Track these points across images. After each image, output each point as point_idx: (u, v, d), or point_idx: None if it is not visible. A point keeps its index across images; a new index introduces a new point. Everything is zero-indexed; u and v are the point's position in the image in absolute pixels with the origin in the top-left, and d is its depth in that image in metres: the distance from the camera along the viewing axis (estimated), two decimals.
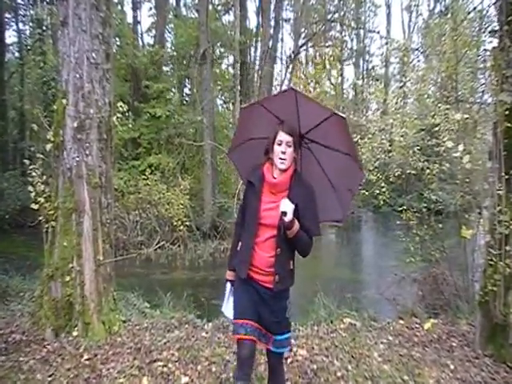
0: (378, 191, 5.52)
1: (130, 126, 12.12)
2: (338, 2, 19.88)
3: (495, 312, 3.10)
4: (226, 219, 11.46)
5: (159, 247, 10.24)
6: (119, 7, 15.29)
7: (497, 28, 3.32)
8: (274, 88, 16.01)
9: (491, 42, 4.09)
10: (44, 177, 3.81)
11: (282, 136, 2.08)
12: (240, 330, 2.07)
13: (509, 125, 3.05)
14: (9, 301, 4.51)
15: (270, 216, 2.07)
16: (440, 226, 4.88)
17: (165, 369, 3.00)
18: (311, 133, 2.21)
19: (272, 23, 15.60)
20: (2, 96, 15.46)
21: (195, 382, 2.85)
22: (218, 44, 17.01)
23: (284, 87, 17.16)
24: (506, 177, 3.05)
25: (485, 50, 5.24)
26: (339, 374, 2.95)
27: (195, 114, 13.26)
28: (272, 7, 15.69)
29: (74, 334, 3.48)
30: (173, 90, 15.37)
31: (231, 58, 17.43)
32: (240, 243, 2.22)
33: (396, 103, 6.98)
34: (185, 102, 16.64)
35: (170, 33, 17.34)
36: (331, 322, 4.02)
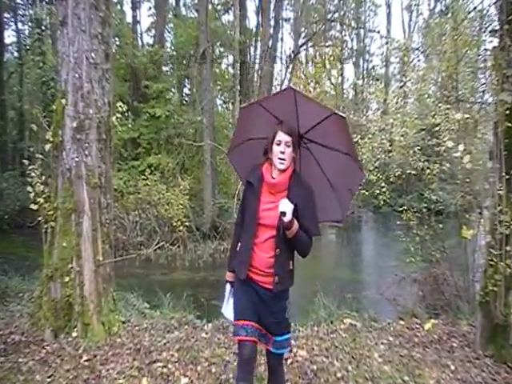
0: (378, 191, 5.51)
1: (130, 126, 12.09)
2: (338, 1, 19.88)
3: (496, 312, 3.09)
4: (226, 219, 11.45)
5: (159, 248, 10.23)
6: (118, 7, 15.27)
7: (497, 27, 3.31)
8: (273, 88, 16.00)
9: (492, 41, 4.09)
10: (43, 177, 3.80)
11: (281, 136, 2.07)
12: (241, 331, 2.06)
13: (509, 124, 3.04)
14: (8, 301, 4.50)
15: (269, 216, 2.06)
16: (440, 226, 4.87)
17: (164, 369, 2.99)
18: (310, 132, 2.20)
19: (272, 23, 15.60)
20: (1, 96, 15.45)
21: (195, 383, 2.84)
22: (218, 44, 17.00)
23: (284, 87, 17.15)
24: (507, 177, 3.04)
25: (485, 49, 5.25)
26: (339, 374, 2.94)
27: (195, 114, 13.25)
28: (272, 7, 15.68)
29: (74, 334, 3.47)
30: (172, 89, 15.36)
31: (231, 58, 17.43)
32: (239, 244, 2.21)
33: (396, 103, 6.97)
34: (184, 102, 16.63)
35: (169, 32, 17.34)
36: (331, 323, 4.01)
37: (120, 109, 4.26)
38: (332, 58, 23.76)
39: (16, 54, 18.15)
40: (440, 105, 4.84)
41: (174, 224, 10.30)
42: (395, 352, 3.33)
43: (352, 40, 25.04)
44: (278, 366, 2.28)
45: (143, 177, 11.57)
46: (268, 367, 2.30)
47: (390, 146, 5.76)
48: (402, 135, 5.25)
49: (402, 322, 4.04)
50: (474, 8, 5.60)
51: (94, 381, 2.86)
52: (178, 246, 10.58)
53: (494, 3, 3.76)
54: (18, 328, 3.65)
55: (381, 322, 4.05)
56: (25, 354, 3.20)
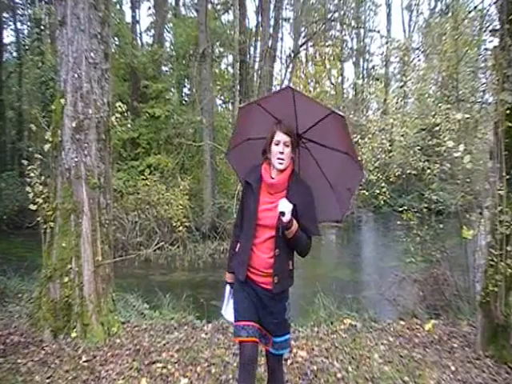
0: (378, 191, 5.51)
1: (129, 126, 12.07)
2: (338, 1, 19.83)
3: (496, 313, 3.08)
4: (226, 220, 11.44)
5: (158, 248, 10.21)
6: (118, 6, 15.26)
7: (498, 27, 3.31)
8: (273, 87, 15.98)
9: (492, 41, 4.08)
10: (42, 177, 3.79)
11: (280, 136, 2.06)
12: (242, 332, 2.05)
13: (510, 124, 3.04)
14: (7, 302, 4.49)
15: (268, 217, 2.05)
16: (441, 226, 4.87)
17: (164, 370, 2.99)
18: (309, 132, 2.19)
19: (272, 22, 15.57)
20: (0, 96, 15.45)
21: None
22: (218, 43, 16.99)
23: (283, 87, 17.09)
24: (507, 177, 3.03)
25: (485, 49, 5.25)
26: (339, 375, 2.93)
27: (194, 113, 13.25)
28: (272, 6, 15.67)
29: (73, 335, 3.47)
30: (172, 89, 15.36)
31: (230, 58, 17.43)
32: (238, 245, 2.20)
33: (396, 103, 6.97)
34: (184, 102, 16.64)
35: (169, 32, 17.33)
36: (331, 323, 4.01)
37: (119, 109, 4.25)
38: (332, 58, 23.74)
39: (15, 53, 18.13)
40: (440, 104, 4.84)
41: (174, 224, 10.28)
42: (395, 352, 3.33)
43: (352, 40, 25.02)
44: (278, 367, 2.26)
45: (143, 177, 11.56)
46: (267, 368, 2.29)
47: (390, 145, 5.76)
48: (402, 135, 5.25)
49: (402, 323, 4.04)
50: (475, 7, 5.60)
51: (93, 381, 2.85)
52: (178, 247, 10.56)
53: (495, 3, 3.76)
54: (17, 329, 3.64)
55: (381, 323, 4.04)
56: (24, 355, 3.19)
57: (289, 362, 3.12)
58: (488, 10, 5.38)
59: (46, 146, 3.73)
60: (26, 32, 17.65)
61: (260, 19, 15.88)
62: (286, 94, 2.05)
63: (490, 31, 4.00)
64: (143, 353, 3.27)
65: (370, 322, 4.06)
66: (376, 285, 6.33)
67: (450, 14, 5.96)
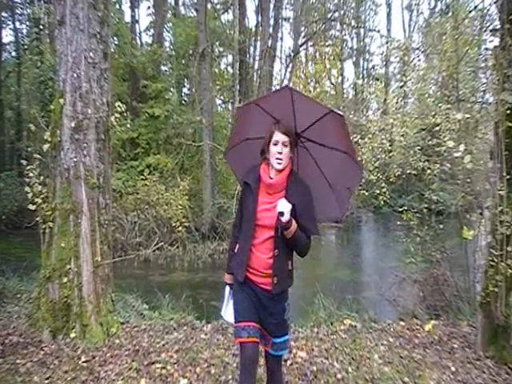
0: (378, 191, 5.51)
1: (129, 126, 12.08)
2: (338, 0, 19.86)
3: (497, 313, 3.08)
4: (226, 220, 11.43)
5: (158, 248, 10.21)
6: (117, 6, 15.25)
7: (498, 27, 3.31)
8: (273, 87, 15.94)
9: (492, 40, 4.08)
10: (41, 177, 3.79)
11: (278, 136, 2.05)
12: (242, 333, 2.03)
13: (510, 124, 3.03)
14: (6, 302, 4.48)
15: (267, 217, 2.04)
16: (441, 226, 4.87)
17: (163, 371, 2.98)
18: (307, 131, 2.18)
19: (271, 22, 15.56)
20: None
21: None
22: (217, 43, 16.99)
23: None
24: (508, 177, 3.03)
25: (486, 48, 5.24)
26: (339, 376, 2.93)
27: (194, 113, 13.23)
28: (272, 6, 15.65)
29: (72, 335, 3.46)
30: (171, 89, 15.35)
31: (230, 58, 17.44)
32: (237, 245, 2.18)
33: (396, 103, 6.96)
34: (184, 102, 16.64)
35: (168, 32, 17.32)
36: (331, 324, 4.01)
37: (119, 109, 4.25)
38: (332, 58, 23.74)
39: (14, 53, 18.07)
40: (440, 104, 4.83)
41: (173, 224, 10.27)
42: (395, 353, 3.32)
43: (352, 39, 25.04)
44: (277, 368, 2.26)
45: (142, 177, 11.54)
46: (267, 369, 2.28)
47: (390, 146, 5.76)
48: (402, 135, 5.25)
49: (402, 323, 4.03)
50: (475, 7, 5.60)
51: (92, 382, 2.84)
52: (177, 247, 10.55)
53: (495, 2, 3.76)
54: (16, 329, 3.63)
55: (381, 323, 4.04)
56: (23, 356, 3.18)
57: (288, 362, 3.11)
58: (488, 10, 5.39)
59: (45, 146, 3.72)
60: (24, 31, 17.65)
61: (260, 19, 15.86)
62: (284, 94, 2.04)
63: (491, 31, 4.00)
64: (142, 353, 3.26)
65: (370, 322, 4.05)
66: (376, 285, 6.32)
67: (450, 14, 5.95)
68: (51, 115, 3.76)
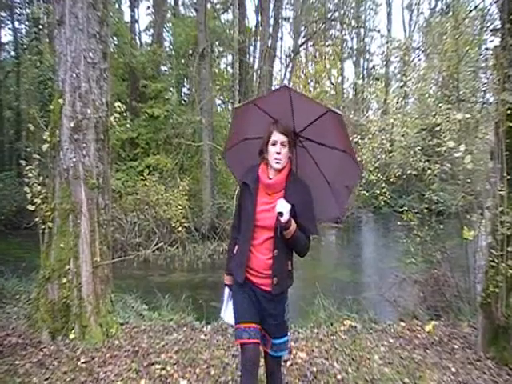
0: (378, 192, 5.50)
1: (128, 126, 12.08)
2: (338, 0, 19.86)
3: (497, 314, 3.07)
4: (225, 220, 11.42)
5: (157, 249, 10.20)
6: (116, 6, 15.25)
7: (499, 26, 3.29)
8: (273, 87, 15.95)
9: (493, 40, 4.08)
10: (40, 178, 3.77)
11: (277, 136, 2.04)
12: (243, 334, 2.02)
13: (511, 124, 3.02)
14: (4, 303, 4.47)
15: (266, 217, 2.03)
16: (441, 226, 4.86)
17: (163, 372, 2.97)
18: (306, 131, 2.17)
19: (271, 22, 15.56)
20: None
21: None
22: (217, 43, 16.99)
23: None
24: (508, 177, 3.02)
25: (486, 48, 5.23)
26: (339, 376, 2.92)
27: (194, 113, 13.23)
28: (271, 6, 15.65)
29: (71, 336, 3.44)
30: (171, 89, 15.35)
31: (230, 57, 17.44)
32: (236, 246, 2.17)
33: (397, 103, 6.95)
34: (183, 102, 16.64)
35: (168, 32, 17.32)
36: (331, 325, 4.00)
37: (118, 109, 4.23)
38: (332, 58, 23.74)
39: (13, 53, 18.05)
40: (441, 104, 4.83)
41: (173, 225, 10.26)
42: (396, 354, 3.31)
43: (352, 39, 25.07)
44: (277, 369, 2.25)
45: (142, 177, 11.54)
46: (266, 370, 2.27)
47: (391, 146, 5.75)
48: (403, 135, 5.24)
49: (402, 324, 4.02)
50: (475, 7, 5.58)
51: (91, 383, 2.83)
52: (177, 247, 10.54)
53: (496, 2, 3.75)
54: (15, 330, 3.61)
55: (381, 324, 4.03)
56: (21, 357, 3.16)
57: (288, 363, 3.10)
58: (489, 10, 5.37)
59: (44, 146, 3.71)
60: (24, 31, 17.64)
61: (260, 18, 15.86)
62: (282, 93, 2.03)
63: (491, 30, 4.00)
64: (142, 354, 3.25)
65: (370, 323, 4.05)
66: (376, 286, 6.31)
67: (450, 14, 5.94)
68: (50, 115, 3.74)
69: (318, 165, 2.25)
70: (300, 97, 2.13)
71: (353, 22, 22.34)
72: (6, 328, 3.66)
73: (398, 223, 5.55)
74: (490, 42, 4.77)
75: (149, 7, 18.19)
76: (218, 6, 17.97)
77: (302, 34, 18.55)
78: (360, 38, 24.65)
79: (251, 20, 31.88)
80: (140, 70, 14.35)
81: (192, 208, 11.79)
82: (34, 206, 3.67)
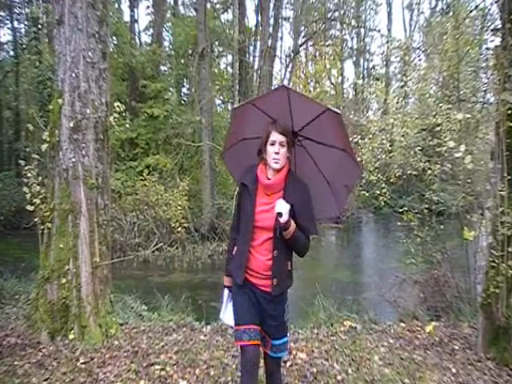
0: (378, 192, 5.49)
1: (128, 126, 12.06)
2: (338, 0, 19.85)
3: (498, 314, 3.06)
4: (225, 221, 11.40)
5: (157, 249, 10.19)
6: (116, 5, 15.24)
7: (499, 26, 3.29)
8: (273, 87, 15.95)
9: (493, 40, 4.07)
10: (40, 178, 3.76)
11: (275, 136, 2.03)
12: (244, 336, 2.01)
13: (511, 124, 3.01)
14: (4, 304, 4.46)
15: (265, 218, 2.02)
16: (441, 227, 4.86)
17: (162, 372, 2.96)
18: (305, 130, 2.17)
19: (271, 21, 15.55)
20: None
21: None
22: (217, 43, 16.99)
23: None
24: (509, 177, 3.01)
25: (487, 48, 5.23)
26: (339, 377, 2.91)
27: (193, 113, 13.21)
28: (271, 5, 15.64)
29: (70, 337, 3.43)
30: (171, 89, 15.35)
31: (230, 57, 17.44)
32: (235, 248, 2.16)
33: (397, 103, 6.94)
34: (183, 102, 16.63)
35: (167, 31, 17.32)
36: (331, 325, 3.99)
37: (118, 108, 4.23)
38: (332, 57, 23.74)
39: (12, 52, 17.99)
40: (441, 104, 4.82)
41: (173, 225, 10.24)
42: (396, 354, 3.30)
43: (352, 39, 25.05)
44: (276, 370, 2.24)
45: (141, 177, 11.53)
46: (266, 371, 2.26)
47: (391, 146, 5.75)
48: (403, 135, 5.24)
49: (402, 325, 4.02)
50: (476, 6, 5.57)
51: None
52: (177, 248, 10.52)
53: (496, 2, 3.73)
54: (14, 330, 3.60)
55: (381, 325, 4.02)
56: (21, 357, 3.15)
57: (288, 364, 3.10)
58: (489, 9, 5.35)
59: (44, 146, 3.70)
60: (23, 31, 17.60)
61: (259, 18, 15.85)
62: (280, 93, 2.02)
63: (492, 30, 3.99)
64: (141, 355, 3.24)
65: (370, 323, 4.04)
66: (376, 286, 6.31)
67: (451, 13, 5.93)
68: (50, 115, 3.73)
69: (316, 164, 2.24)
70: (298, 96, 2.13)
71: (353, 22, 22.34)
72: (5, 328, 3.65)
73: (398, 223, 5.54)
74: (491, 41, 4.78)
75: (148, 7, 18.22)
76: (217, 6, 17.96)
77: (302, 34, 18.55)
78: (360, 38, 24.64)
79: (251, 20, 31.87)
80: (139, 69, 14.34)
81: (192, 208, 11.78)
82: (33, 207, 3.66)
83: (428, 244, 4.81)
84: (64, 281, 3.50)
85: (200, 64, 12.78)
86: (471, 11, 5.53)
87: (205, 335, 3.74)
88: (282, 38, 21.10)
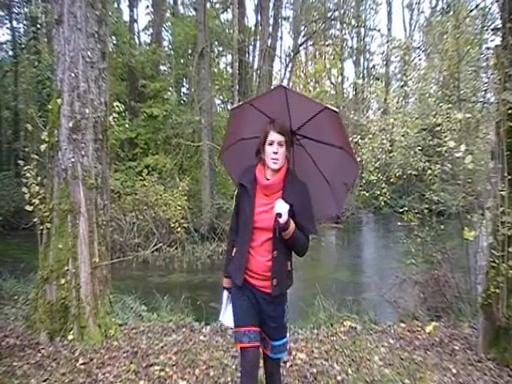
0: (378, 192, 5.49)
1: (127, 126, 12.06)
2: None
3: (498, 315, 3.05)
4: (225, 221, 11.38)
5: (156, 249, 10.17)
6: (115, 5, 15.23)
7: (500, 26, 3.28)
8: (273, 87, 15.93)
9: (494, 39, 4.07)
10: (39, 178, 3.75)
11: (274, 136, 2.02)
12: (243, 338, 2.00)
13: None
14: (2, 304, 4.44)
15: (264, 219, 2.01)
16: (442, 227, 4.85)
17: (162, 373, 2.96)
18: (303, 128, 2.16)
19: (271, 21, 15.54)
20: None
21: None
22: (216, 43, 16.97)
23: None
24: (509, 177, 3.01)
25: (487, 48, 5.23)
26: (339, 378, 2.90)
27: (193, 113, 13.19)
28: (271, 5, 15.63)
29: (70, 337, 3.43)
30: (170, 89, 15.33)
31: (229, 57, 17.42)
32: (234, 249, 2.15)
33: (397, 102, 6.95)
34: (182, 102, 16.61)
35: (167, 31, 17.30)
36: (331, 325, 3.99)
37: (117, 108, 4.23)
38: (332, 57, 23.73)
39: (11, 52, 17.92)
40: (441, 104, 4.82)
41: (172, 225, 10.24)
42: (396, 355, 3.30)
43: (352, 38, 24.99)
44: (276, 370, 2.25)
45: (140, 177, 11.51)
46: (265, 371, 2.26)
47: (391, 146, 5.74)
48: (403, 135, 5.23)
49: (402, 325, 4.01)
50: (476, 6, 5.55)
51: None
52: (176, 248, 10.50)
53: (497, 1, 3.73)
54: (13, 331, 3.59)
55: (381, 325, 4.01)
56: (20, 358, 3.14)
57: (288, 364, 3.09)
58: (490, 9, 5.35)
59: (43, 146, 3.69)
60: (22, 30, 17.52)
61: (259, 18, 15.84)
62: (278, 93, 2.02)
63: (492, 30, 3.99)
64: (141, 355, 3.24)
65: (371, 324, 4.03)
66: (376, 286, 6.30)
67: (451, 13, 5.91)
68: (49, 115, 3.72)
69: (315, 162, 2.24)
70: (296, 95, 2.13)
71: (353, 22, 22.31)
72: (4, 329, 3.64)
73: (399, 224, 5.54)
74: (491, 41, 4.79)
75: (148, 6, 18.20)
76: (217, 6, 17.95)
77: (302, 34, 18.53)
78: (360, 38, 24.60)
79: (251, 19, 31.89)
80: (139, 69, 14.33)
81: (191, 208, 11.76)
82: (32, 207, 3.65)
83: (428, 244, 4.80)
84: (63, 281, 3.49)
85: (199, 64, 12.77)
86: (471, 10, 5.52)
87: (204, 336, 3.73)
88: (281, 38, 21.20)
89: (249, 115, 2.16)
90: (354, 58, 24.97)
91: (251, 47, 17.58)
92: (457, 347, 3.41)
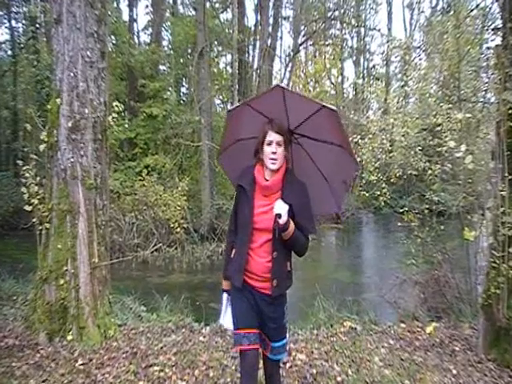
0: (378, 192, 5.48)
1: (126, 126, 12.05)
2: None
3: (498, 315, 3.05)
4: (224, 221, 11.37)
5: (156, 250, 10.16)
6: (115, 5, 15.21)
7: (500, 25, 3.28)
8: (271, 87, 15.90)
9: (494, 39, 4.06)
10: (38, 178, 3.74)
11: (272, 136, 2.01)
12: (243, 340, 1.99)
13: None
14: (1, 305, 4.43)
15: (264, 220, 2.00)
16: (442, 227, 4.85)
17: (161, 374, 2.95)
18: (301, 127, 2.16)
19: (271, 21, 15.55)
20: None
21: None
22: (216, 42, 16.95)
23: None
24: (510, 177, 3.01)
25: (488, 47, 5.23)
26: (339, 378, 2.90)
27: (193, 113, 13.18)
28: (271, 5, 15.63)
29: (69, 338, 3.42)
30: (170, 89, 15.32)
31: (229, 57, 17.41)
32: (233, 250, 2.13)
33: (397, 102, 6.95)
34: (182, 102, 16.60)
35: (166, 31, 17.29)
36: (331, 326, 3.98)
37: (116, 108, 4.21)
38: (332, 57, 23.72)
39: (10, 52, 17.89)
40: (442, 104, 4.82)
41: (172, 226, 10.23)
42: (396, 356, 3.29)
43: (352, 38, 24.97)
44: (275, 371, 2.24)
45: (140, 178, 11.50)
46: (265, 372, 2.25)
47: (391, 146, 5.73)
48: (403, 135, 5.22)
49: (402, 325, 4.00)
50: (477, 6, 5.55)
51: None
52: (176, 248, 10.49)
53: (497, 1, 3.72)
54: (12, 332, 3.58)
55: (381, 325, 4.01)
56: (19, 358, 3.13)
57: (288, 365, 3.09)
58: (490, 9, 5.35)
59: (42, 146, 3.69)
60: (21, 30, 17.48)
61: (259, 18, 15.84)
62: (275, 93, 2.01)
63: (493, 30, 3.98)
64: (140, 356, 3.23)
65: (371, 324, 4.03)
66: (376, 287, 6.30)
67: (451, 13, 5.91)
68: (48, 115, 3.71)
69: (314, 161, 2.24)
70: (294, 95, 2.12)
71: (353, 21, 22.28)
72: (3, 329, 3.63)
73: (399, 224, 5.53)
74: (492, 41, 4.79)
75: (147, 6, 18.19)
76: (217, 5, 17.91)
77: (302, 33, 18.53)
78: (360, 38, 24.58)
79: (251, 19, 31.91)
80: (138, 69, 14.31)
81: (191, 209, 11.75)
82: (31, 207, 3.65)
83: (428, 244, 4.79)
84: (62, 281, 3.48)
85: (199, 63, 12.75)
86: (472, 10, 5.51)
87: (204, 336, 3.73)
88: (281, 38, 21.22)
89: (246, 116, 2.15)
90: (354, 57, 24.96)
91: (251, 47, 17.59)
92: (457, 348, 3.41)
